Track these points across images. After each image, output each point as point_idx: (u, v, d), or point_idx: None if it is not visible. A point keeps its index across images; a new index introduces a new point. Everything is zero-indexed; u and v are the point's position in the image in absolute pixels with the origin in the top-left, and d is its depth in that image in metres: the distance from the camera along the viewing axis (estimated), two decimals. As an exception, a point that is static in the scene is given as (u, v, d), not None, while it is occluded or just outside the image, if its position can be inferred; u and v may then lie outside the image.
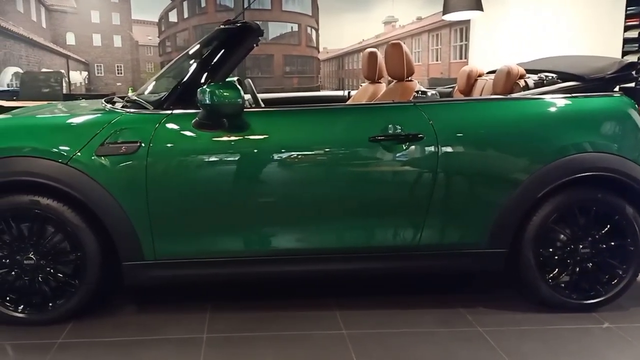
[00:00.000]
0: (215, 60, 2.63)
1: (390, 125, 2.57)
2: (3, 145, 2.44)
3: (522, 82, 3.02)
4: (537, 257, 2.70)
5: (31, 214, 2.47)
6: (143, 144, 2.46)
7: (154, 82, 3.04)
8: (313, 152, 2.55)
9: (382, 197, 2.60)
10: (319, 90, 8.78)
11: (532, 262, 2.69)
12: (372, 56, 3.54)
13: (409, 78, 2.95)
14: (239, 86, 2.43)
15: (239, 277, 2.70)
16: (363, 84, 3.96)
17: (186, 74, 2.66)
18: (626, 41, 5.52)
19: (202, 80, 2.57)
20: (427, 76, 8.03)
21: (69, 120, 2.61)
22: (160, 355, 2.33)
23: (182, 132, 2.51)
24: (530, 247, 2.68)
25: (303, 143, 2.55)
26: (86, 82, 7.98)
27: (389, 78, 3.29)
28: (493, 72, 3.74)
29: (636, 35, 5.43)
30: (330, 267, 2.65)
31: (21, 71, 7.51)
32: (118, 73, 7.93)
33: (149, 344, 2.42)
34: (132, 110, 2.60)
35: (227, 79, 2.63)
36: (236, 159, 2.52)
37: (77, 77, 7.76)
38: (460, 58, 8.12)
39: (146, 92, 2.93)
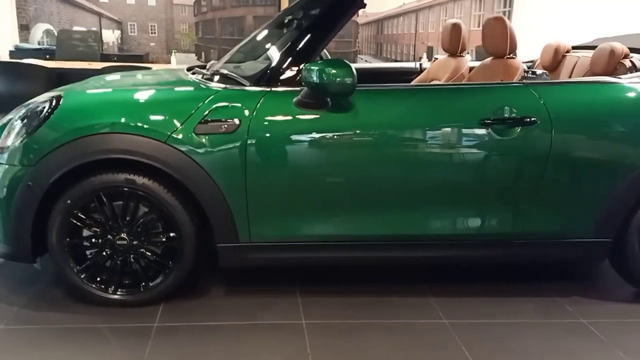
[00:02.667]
0: (316, 33, 2.47)
1: (502, 108, 2.42)
2: (98, 121, 2.30)
3: (627, 63, 2.85)
4: (642, 248, 2.60)
5: (126, 193, 2.36)
6: (243, 123, 2.33)
7: (239, 54, 2.89)
8: (420, 135, 2.42)
9: (489, 182, 2.48)
10: (356, 55, 8.56)
11: (637, 252, 2.59)
12: (456, 28, 3.36)
13: (511, 55, 2.78)
14: (350, 64, 2.27)
15: (333, 262, 2.61)
16: (437, 56, 3.79)
17: (283, 48, 2.50)
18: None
19: (304, 56, 2.42)
20: (467, 42, 7.72)
21: (165, 96, 2.47)
22: (265, 342, 2.26)
23: (283, 110, 2.37)
24: (637, 237, 2.58)
25: (410, 124, 2.41)
26: (119, 41, 7.73)
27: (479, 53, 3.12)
28: (579, 47, 3.57)
29: None
30: (431, 254, 2.56)
31: (52, 28, 7.27)
32: (152, 33, 7.66)
33: (249, 329, 2.35)
34: (229, 85, 2.45)
35: None
36: (338, 140, 2.39)
37: (110, 36, 7.51)
38: (503, 25, 7.85)
39: (231, 64, 2.77)
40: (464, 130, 2.42)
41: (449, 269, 2.95)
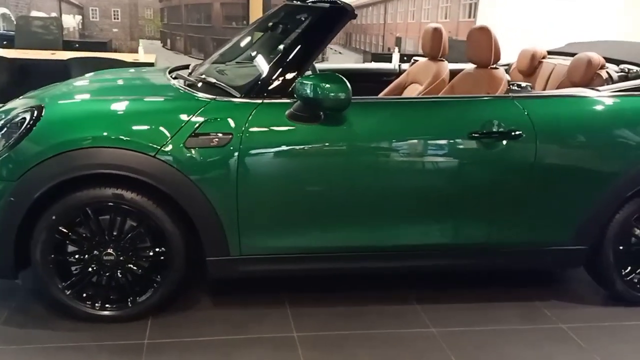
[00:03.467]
0: (308, 44, 2.45)
1: (490, 121, 2.47)
2: (84, 135, 2.22)
3: (603, 74, 2.94)
4: (616, 254, 2.71)
5: (113, 208, 2.30)
6: (235, 136, 2.29)
7: (223, 57, 2.83)
8: (412, 147, 2.44)
9: (478, 194, 2.53)
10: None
11: (611, 259, 2.71)
12: (437, 33, 3.38)
13: (495, 65, 2.82)
14: (344, 79, 2.26)
15: (324, 273, 2.63)
16: (416, 58, 3.81)
17: (274, 58, 2.47)
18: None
19: (296, 67, 2.40)
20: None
21: (153, 107, 2.40)
22: (258, 356, 2.26)
23: (275, 123, 2.35)
24: (611, 245, 2.69)
25: (402, 137, 2.43)
26: (80, 27, 7.43)
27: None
28: (554, 53, 3.66)
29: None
30: (421, 263, 2.62)
31: (8, 12, 6.92)
32: (114, 18, 7.38)
33: (242, 343, 2.34)
34: (219, 97, 2.40)
35: None
36: (331, 152, 2.39)
37: (70, 21, 7.20)
38: (469, 17, 7.94)
39: (216, 69, 2.72)
40: (454, 143, 2.46)
41: (430, 275, 3.01)
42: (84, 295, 2.39)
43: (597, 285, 2.88)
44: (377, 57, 7.39)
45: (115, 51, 6.98)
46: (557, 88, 3.17)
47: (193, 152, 2.27)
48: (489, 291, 2.89)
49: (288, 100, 2.37)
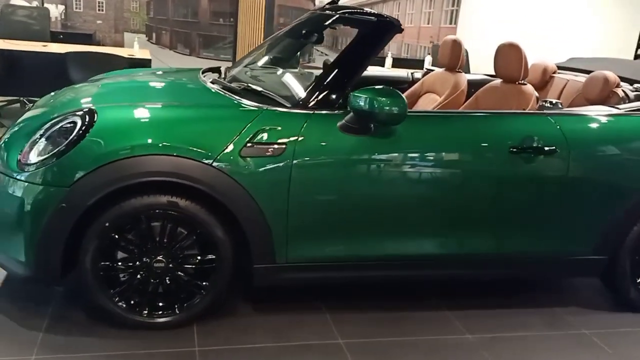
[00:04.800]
0: (356, 58, 2.51)
1: (529, 136, 2.58)
2: (142, 142, 2.20)
3: (619, 92, 3.10)
4: (632, 264, 2.88)
5: (165, 215, 2.28)
6: (288, 146, 2.32)
7: (257, 62, 2.85)
8: (459, 161, 2.54)
9: (512, 207, 2.64)
10: (313, 46, 8.53)
11: (628, 269, 2.88)
12: (456, 45, 3.47)
13: (524, 82, 2.94)
14: (401, 94, 2.32)
15: (366, 281, 2.69)
16: (430, 68, 3.90)
17: (322, 70, 2.50)
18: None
19: (344, 80, 2.46)
20: (417, 39, 7.98)
21: (208, 115, 2.39)
22: (310, 365, 2.30)
23: (327, 134, 2.39)
24: (628, 255, 2.86)
25: (450, 150, 2.53)
26: (62, 17, 7.18)
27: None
28: (563, 68, 3.82)
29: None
30: (461, 271, 2.74)
31: (-16, -1, 6.63)
32: (99, 9, 7.17)
33: (291, 350, 2.37)
34: (270, 106, 2.42)
35: None
36: (381, 164, 2.45)
37: (53, 11, 6.95)
38: (450, 23, 8.13)
39: (249, 74, 2.72)
40: (497, 157, 2.55)
41: (454, 283, 3.10)
42: (132, 302, 2.37)
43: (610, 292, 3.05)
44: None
45: (99, 44, 6.79)
46: (571, 104, 3.33)
47: (248, 161, 2.28)
48: (509, 298, 3.00)
49: (338, 112, 2.41)
